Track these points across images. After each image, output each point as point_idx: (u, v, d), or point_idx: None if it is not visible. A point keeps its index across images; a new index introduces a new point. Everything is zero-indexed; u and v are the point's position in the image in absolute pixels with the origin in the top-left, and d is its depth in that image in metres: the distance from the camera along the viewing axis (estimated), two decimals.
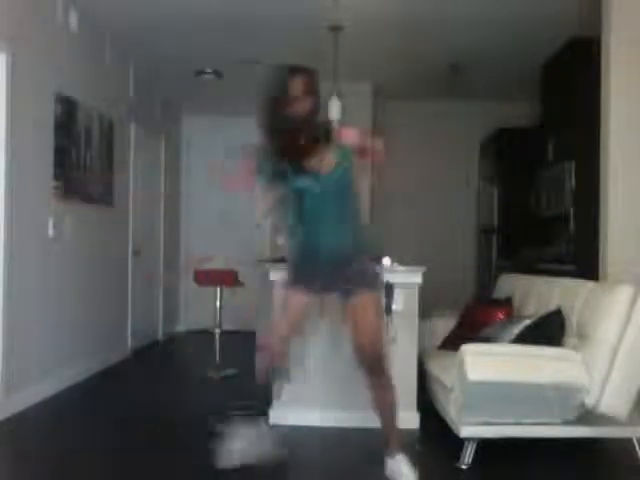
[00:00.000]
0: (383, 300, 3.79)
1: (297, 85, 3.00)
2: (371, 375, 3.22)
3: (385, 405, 3.25)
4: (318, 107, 3.08)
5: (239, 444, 3.24)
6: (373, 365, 3.19)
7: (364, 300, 3.15)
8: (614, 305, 3.39)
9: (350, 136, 3.12)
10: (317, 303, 3.29)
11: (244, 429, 3.29)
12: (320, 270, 3.14)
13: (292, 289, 3.22)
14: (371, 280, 3.22)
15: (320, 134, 3.08)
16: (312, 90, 3.05)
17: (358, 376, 4.19)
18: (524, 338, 3.71)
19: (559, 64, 6.01)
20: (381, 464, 3.67)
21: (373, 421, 4.14)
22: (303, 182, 3.05)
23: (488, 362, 3.43)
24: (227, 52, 6.56)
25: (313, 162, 3.06)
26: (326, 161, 3.07)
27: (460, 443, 3.48)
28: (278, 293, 3.25)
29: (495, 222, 7.62)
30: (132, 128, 6.80)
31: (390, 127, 8.43)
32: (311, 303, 3.24)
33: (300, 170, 3.05)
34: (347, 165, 3.12)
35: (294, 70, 3.06)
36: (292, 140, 3.01)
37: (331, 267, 3.13)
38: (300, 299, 3.20)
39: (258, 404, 4.43)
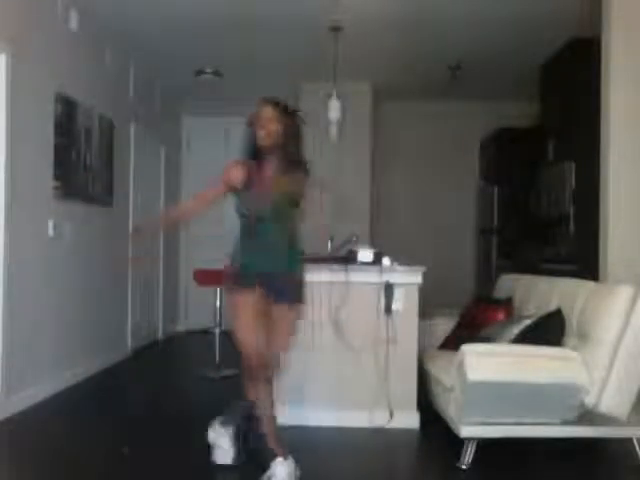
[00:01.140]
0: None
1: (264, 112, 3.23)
2: (262, 380, 3.27)
3: (269, 407, 3.31)
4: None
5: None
6: (268, 372, 3.28)
7: (287, 312, 3.31)
8: (614, 305, 3.39)
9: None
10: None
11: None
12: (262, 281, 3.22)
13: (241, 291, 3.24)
14: (298, 293, 3.35)
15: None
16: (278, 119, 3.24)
17: (358, 376, 4.21)
18: (524, 338, 3.71)
19: (559, 64, 6.00)
20: (382, 464, 3.69)
21: (373, 421, 4.15)
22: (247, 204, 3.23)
23: (488, 362, 3.42)
24: (227, 52, 6.56)
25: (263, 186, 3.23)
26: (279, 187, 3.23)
27: (460, 443, 3.49)
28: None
29: (495, 222, 7.62)
30: (132, 128, 6.80)
31: (390, 127, 8.45)
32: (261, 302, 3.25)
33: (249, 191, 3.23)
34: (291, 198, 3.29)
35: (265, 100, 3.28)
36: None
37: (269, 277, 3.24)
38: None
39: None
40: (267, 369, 3.27)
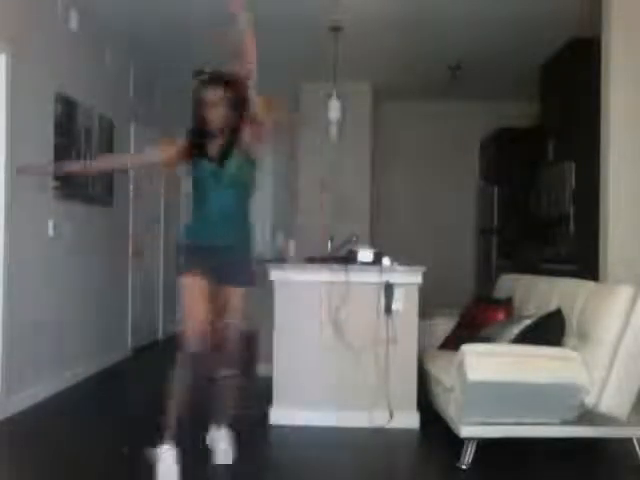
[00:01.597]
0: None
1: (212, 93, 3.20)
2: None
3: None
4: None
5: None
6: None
7: (234, 292, 3.34)
8: (614, 305, 3.39)
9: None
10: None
11: None
12: (214, 260, 3.22)
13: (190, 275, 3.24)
14: (247, 275, 3.38)
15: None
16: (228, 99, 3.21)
17: (358, 376, 4.21)
18: (524, 338, 3.71)
19: (559, 64, 6.01)
20: (382, 464, 3.69)
21: (373, 421, 4.15)
22: (203, 169, 3.21)
23: (488, 362, 3.42)
24: (227, 52, 6.55)
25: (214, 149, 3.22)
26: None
27: (460, 443, 3.48)
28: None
29: (495, 222, 7.62)
30: (132, 128, 6.80)
31: (390, 127, 8.45)
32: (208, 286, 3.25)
33: (202, 157, 3.21)
34: (247, 166, 3.27)
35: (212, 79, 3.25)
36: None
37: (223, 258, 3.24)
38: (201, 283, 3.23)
39: (257, 404, 4.44)
40: (217, 365, 3.33)
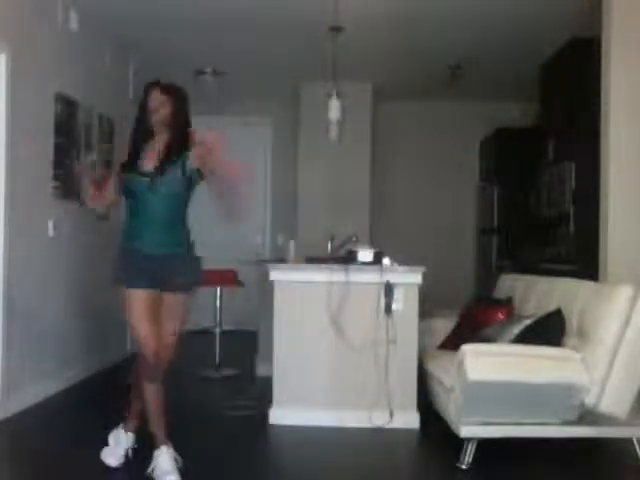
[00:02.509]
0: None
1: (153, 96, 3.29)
2: (150, 381, 3.27)
3: (160, 405, 3.31)
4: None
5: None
6: (158, 371, 3.27)
7: (177, 301, 3.29)
8: (614, 305, 3.39)
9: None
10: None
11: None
12: (148, 265, 3.20)
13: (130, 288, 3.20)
14: (188, 277, 3.35)
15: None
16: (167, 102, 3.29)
17: (358, 376, 4.21)
18: (524, 338, 3.71)
19: (559, 64, 6.00)
20: (382, 464, 3.69)
21: (373, 421, 4.15)
22: (137, 182, 3.21)
23: (488, 362, 3.43)
24: (227, 52, 6.56)
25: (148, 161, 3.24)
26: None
27: (460, 443, 3.48)
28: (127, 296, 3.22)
29: (495, 222, 7.62)
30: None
31: (390, 127, 8.45)
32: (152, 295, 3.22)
33: (135, 169, 3.24)
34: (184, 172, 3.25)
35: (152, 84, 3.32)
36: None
37: (157, 262, 3.21)
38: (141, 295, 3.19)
39: (257, 404, 4.44)
40: (162, 368, 3.28)
